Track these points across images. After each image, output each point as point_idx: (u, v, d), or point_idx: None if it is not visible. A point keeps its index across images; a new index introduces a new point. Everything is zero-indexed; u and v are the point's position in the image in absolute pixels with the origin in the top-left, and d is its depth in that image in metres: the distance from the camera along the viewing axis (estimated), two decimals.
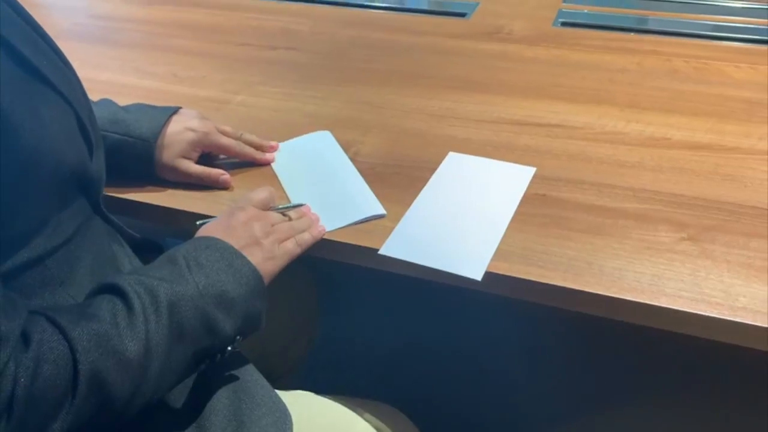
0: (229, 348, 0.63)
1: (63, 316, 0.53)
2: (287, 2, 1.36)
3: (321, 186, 0.82)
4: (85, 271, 0.63)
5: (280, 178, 0.84)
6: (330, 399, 0.79)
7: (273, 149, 0.88)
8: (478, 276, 0.68)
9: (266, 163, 0.86)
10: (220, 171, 0.83)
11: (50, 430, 0.49)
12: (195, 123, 0.82)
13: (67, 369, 0.50)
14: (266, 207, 0.74)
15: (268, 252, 0.68)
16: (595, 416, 1.22)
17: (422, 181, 0.81)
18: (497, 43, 1.15)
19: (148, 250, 0.79)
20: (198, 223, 0.73)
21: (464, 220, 0.75)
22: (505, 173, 0.82)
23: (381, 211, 0.77)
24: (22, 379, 0.47)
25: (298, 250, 0.72)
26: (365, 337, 1.53)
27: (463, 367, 1.46)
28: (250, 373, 0.71)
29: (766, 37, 1.13)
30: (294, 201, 0.79)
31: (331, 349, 1.50)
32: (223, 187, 0.83)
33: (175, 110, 0.83)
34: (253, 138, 0.87)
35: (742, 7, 1.25)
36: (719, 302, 0.64)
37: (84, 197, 0.65)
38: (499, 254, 0.70)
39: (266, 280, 0.67)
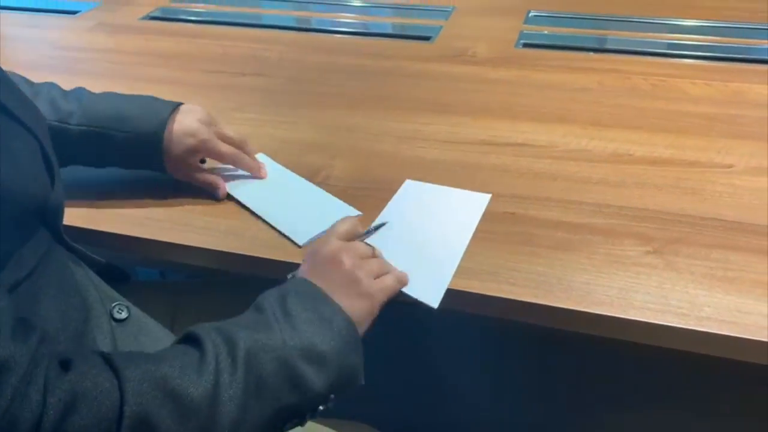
0: (321, 408, 0.58)
1: (120, 355, 0.49)
2: (254, 29, 1.38)
3: (287, 200, 0.83)
4: (50, 303, 0.62)
5: (243, 202, 0.83)
6: (314, 422, 0.78)
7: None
8: (434, 304, 0.68)
9: (260, 177, 0.86)
10: (217, 183, 0.83)
11: None
12: (195, 126, 0.80)
13: (111, 409, 0.45)
14: (352, 238, 0.70)
15: (365, 288, 0.63)
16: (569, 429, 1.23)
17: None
18: (462, 65, 1.18)
19: (115, 276, 0.79)
20: (289, 277, 0.68)
21: (420, 248, 0.75)
22: (461, 200, 0.82)
23: (356, 212, 0.79)
24: (51, 412, 0.43)
25: (398, 287, 0.66)
26: None
27: (439, 386, 1.46)
28: None
29: (719, 54, 1.17)
30: (265, 217, 0.80)
31: None
32: (217, 197, 0.83)
33: (177, 105, 0.82)
34: (252, 148, 0.88)
35: (694, 26, 1.29)
36: (685, 313, 0.66)
37: (45, 227, 0.64)
38: (470, 273, 0.71)
39: (364, 326, 0.62)
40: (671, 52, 1.19)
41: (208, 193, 0.84)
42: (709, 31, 1.27)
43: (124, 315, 0.71)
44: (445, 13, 1.40)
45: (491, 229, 0.77)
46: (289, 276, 0.68)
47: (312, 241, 0.75)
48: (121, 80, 1.17)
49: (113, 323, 0.70)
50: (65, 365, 0.47)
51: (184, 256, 0.79)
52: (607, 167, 0.88)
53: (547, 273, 0.71)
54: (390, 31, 1.38)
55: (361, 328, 0.62)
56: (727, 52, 1.18)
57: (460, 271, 0.71)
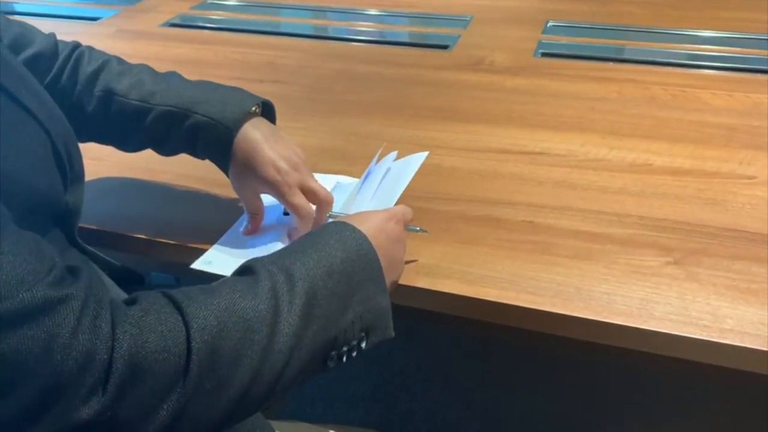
0: (355, 343, 0.59)
1: (179, 292, 0.49)
2: (272, 37, 1.38)
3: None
4: None
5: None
6: (323, 428, 0.78)
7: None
8: None
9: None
10: (256, 223, 0.79)
11: (157, 413, 0.45)
12: (284, 165, 0.73)
13: (178, 344, 0.46)
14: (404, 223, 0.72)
15: (398, 276, 0.69)
16: None
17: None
18: (479, 74, 1.18)
19: (130, 279, 0.78)
20: (329, 215, 0.74)
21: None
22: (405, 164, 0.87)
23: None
24: (124, 343, 0.44)
25: None
26: (353, 368, 1.52)
27: (449, 395, 1.45)
28: None
29: (739, 65, 1.17)
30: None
31: (318, 381, 1.49)
32: (243, 229, 0.79)
33: (262, 101, 0.78)
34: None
35: (713, 37, 1.28)
36: (707, 325, 0.65)
37: (58, 228, 0.64)
38: (489, 280, 0.71)
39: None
40: (690, 63, 1.19)
41: (231, 200, 0.84)
42: (727, 42, 1.26)
43: None
44: (463, 22, 1.40)
45: (509, 238, 0.77)
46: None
47: None
48: None
49: None
50: (129, 302, 0.47)
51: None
52: (626, 177, 0.87)
53: (566, 282, 0.70)
54: (407, 39, 1.38)
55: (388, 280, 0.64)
56: (748, 64, 1.17)
57: (478, 279, 0.71)
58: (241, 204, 0.80)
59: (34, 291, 0.42)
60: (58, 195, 0.60)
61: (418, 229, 0.75)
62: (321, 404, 1.46)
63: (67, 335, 0.42)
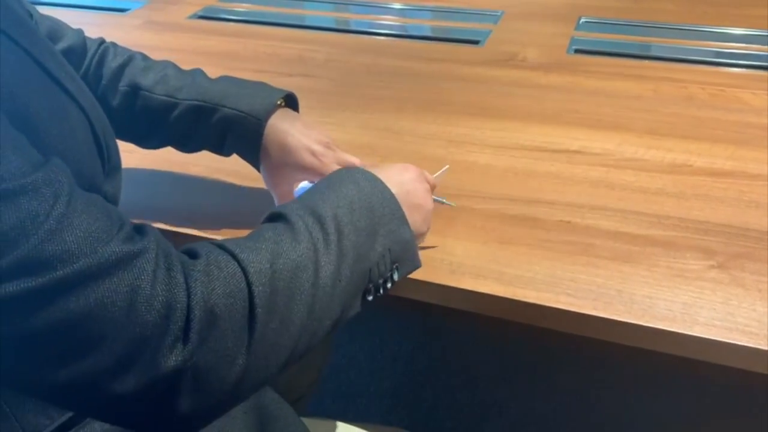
0: (389, 274, 0.61)
1: (230, 242, 0.51)
2: (301, 30, 1.37)
3: None
4: None
5: None
6: (352, 425, 0.77)
7: None
8: None
9: None
10: None
11: (235, 356, 0.46)
12: (317, 147, 0.74)
13: (241, 289, 0.47)
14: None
15: (422, 220, 0.67)
16: None
17: (446, 207, 0.80)
18: (512, 69, 1.16)
19: None
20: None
21: None
22: None
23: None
24: (199, 293, 0.45)
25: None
26: (376, 364, 1.51)
27: (473, 394, 1.44)
28: (270, 396, 0.70)
29: None
30: None
31: (341, 376, 1.48)
32: None
33: (288, 93, 0.78)
34: None
35: (746, 34, 1.25)
36: (754, 332, 0.63)
37: None
38: (526, 281, 0.69)
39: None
40: (727, 62, 1.16)
41: (262, 192, 0.83)
42: (760, 40, 1.23)
43: None
44: (494, 17, 1.38)
45: (546, 237, 0.75)
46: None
47: None
48: None
49: None
50: (190, 254, 0.48)
51: None
52: (665, 178, 0.85)
53: (606, 285, 0.69)
54: (439, 34, 1.36)
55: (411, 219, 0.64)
56: None
57: (515, 279, 0.70)
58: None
59: (111, 246, 0.43)
60: (100, 182, 0.60)
61: (444, 200, 0.74)
62: (343, 401, 1.45)
63: (147, 287, 0.43)
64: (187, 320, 0.44)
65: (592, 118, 0.99)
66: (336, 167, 0.72)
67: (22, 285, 0.40)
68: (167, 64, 0.83)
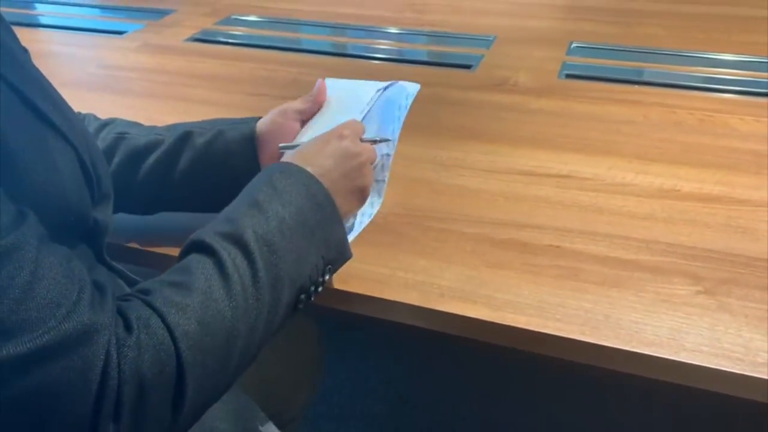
0: (321, 279, 0.62)
1: (157, 296, 0.51)
2: (297, 53, 1.39)
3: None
4: None
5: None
6: None
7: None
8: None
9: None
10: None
11: (173, 417, 0.48)
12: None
13: (170, 355, 0.48)
14: (360, 135, 0.72)
15: (359, 204, 0.70)
16: None
17: (435, 231, 0.81)
18: (504, 94, 1.17)
19: None
20: (280, 147, 0.73)
21: None
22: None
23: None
24: (128, 370, 0.46)
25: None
26: (369, 387, 1.50)
27: (467, 416, 1.43)
28: (261, 419, 0.70)
29: (765, 90, 1.15)
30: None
31: (334, 398, 1.48)
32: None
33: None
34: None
35: (736, 60, 1.27)
36: (740, 358, 0.63)
37: (86, 245, 0.64)
38: (515, 306, 0.70)
39: (349, 201, 0.68)
40: (716, 87, 1.17)
41: None
42: (755, 67, 1.25)
43: None
44: (486, 42, 1.40)
45: (535, 262, 0.76)
46: (280, 147, 0.73)
47: None
48: (164, 100, 1.18)
49: None
50: (126, 322, 0.49)
51: None
52: (654, 203, 0.86)
53: (594, 310, 0.69)
54: (429, 58, 1.38)
55: (344, 202, 0.66)
56: None
57: (504, 304, 0.70)
58: None
59: (64, 326, 0.44)
60: (87, 211, 0.60)
61: (378, 139, 0.76)
62: (336, 423, 1.44)
63: (88, 370, 0.44)
64: (118, 399, 0.45)
65: (582, 143, 1.00)
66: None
67: None
68: (149, 126, 0.85)
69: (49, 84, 0.63)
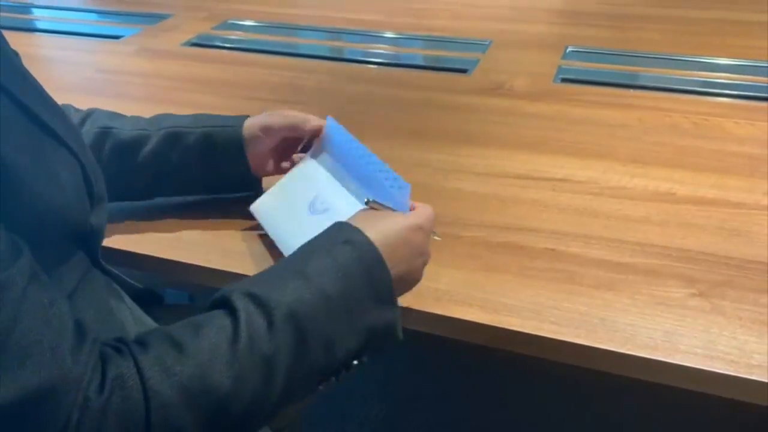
0: (356, 363, 0.58)
1: (150, 352, 0.48)
2: (293, 58, 1.39)
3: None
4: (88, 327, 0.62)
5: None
6: None
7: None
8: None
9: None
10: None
11: None
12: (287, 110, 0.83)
13: (138, 425, 0.45)
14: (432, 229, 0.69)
15: (415, 283, 0.66)
16: None
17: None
18: (499, 98, 1.18)
19: (150, 301, 0.78)
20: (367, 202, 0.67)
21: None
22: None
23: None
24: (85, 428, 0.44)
25: None
26: (366, 390, 1.50)
27: (464, 419, 1.43)
28: None
29: (760, 94, 1.16)
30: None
31: (331, 401, 1.48)
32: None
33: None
34: None
35: (731, 64, 1.28)
36: (734, 360, 0.63)
37: (82, 250, 0.64)
38: (511, 309, 0.70)
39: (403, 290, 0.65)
40: (711, 91, 1.18)
41: (245, 217, 0.84)
42: (749, 71, 1.25)
43: None
44: (482, 46, 1.41)
45: (531, 265, 0.76)
46: (367, 202, 0.66)
47: None
48: (160, 104, 1.18)
49: None
50: (101, 386, 0.46)
51: (219, 281, 0.78)
52: (649, 206, 0.86)
53: (589, 313, 0.69)
54: (425, 63, 1.39)
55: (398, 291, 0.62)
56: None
57: (500, 307, 0.70)
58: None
59: (33, 379, 0.42)
60: (86, 218, 0.61)
61: (435, 235, 0.75)
62: (333, 427, 1.44)
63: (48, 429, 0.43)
64: None
65: (578, 147, 1.01)
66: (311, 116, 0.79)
67: None
68: (129, 117, 0.85)
69: (45, 90, 0.63)
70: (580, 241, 0.80)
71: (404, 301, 0.72)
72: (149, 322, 0.73)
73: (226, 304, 0.53)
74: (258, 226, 0.82)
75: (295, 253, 0.59)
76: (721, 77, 1.24)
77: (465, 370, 1.47)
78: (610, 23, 1.53)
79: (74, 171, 0.59)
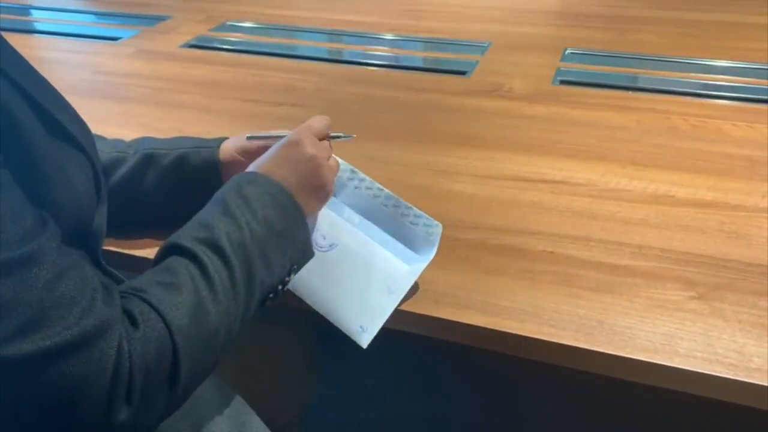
0: (288, 279, 0.65)
1: (152, 294, 0.55)
2: (291, 60, 1.39)
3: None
4: None
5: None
6: None
7: None
8: (363, 343, 0.69)
9: None
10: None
11: (171, 393, 0.53)
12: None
13: (168, 345, 0.53)
14: (323, 137, 0.75)
15: (323, 200, 0.72)
16: None
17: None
18: (498, 100, 1.17)
19: None
20: (247, 137, 0.76)
21: (367, 271, 0.74)
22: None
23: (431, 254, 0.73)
24: (138, 361, 0.50)
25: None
26: (363, 394, 1.50)
27: (462, 422, 1.43)
28: (255, 427, 0.70)
29: (759, 96, 1.16)
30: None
31: (328, 405, 1.47)
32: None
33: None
34: None
35: (729, 66, 1.28)
36: (733, 363, 0.63)
37: (84, 250, 0.64)
38: (509, 312, 0.70)
39: (313, 205, 0.71)
40: (709, 93, 1.18)
41: None
42: (747, 73, 1.25)
43: None
44: (481, 48, 1.40)
45: (530, 268, 0.76)
46: (248, 137, 0.76)
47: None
48: (158, 106, 1.18)
49: None
50: (133, 322, 0.53)
51: None
52: (647, 208, 0.86)
53: (588, 316, 0.69)
54: (424, 64, 1.39)
55: (306, 203, 0.69)
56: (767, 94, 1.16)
57: (498, 310, 0.70)
58: None
59: (83, 323, 0.49)
60: (92, 215, 0.62)
61: (342, 135, 0.77)
62: (330, 429, 1.44)
63: (105, 361, 0.49)
64: (130, 385, 0.50)
65: (576, 149, 1.00)
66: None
67: (23, 348, 0.46)
68: (110, 139, 0.85)
69: (59, 93, 0.64)
70: (579, 244, 0.80)
71: (403, 304, 0.72)
72: None
73: (181, 251, 0.60)
74: None
75: (213, 202, 0.66)
76: (720, 79, 1.24)
77: (464, 373, 1.47)
78: (609, 25, 1.53)
79: (87, 172, 0.61)
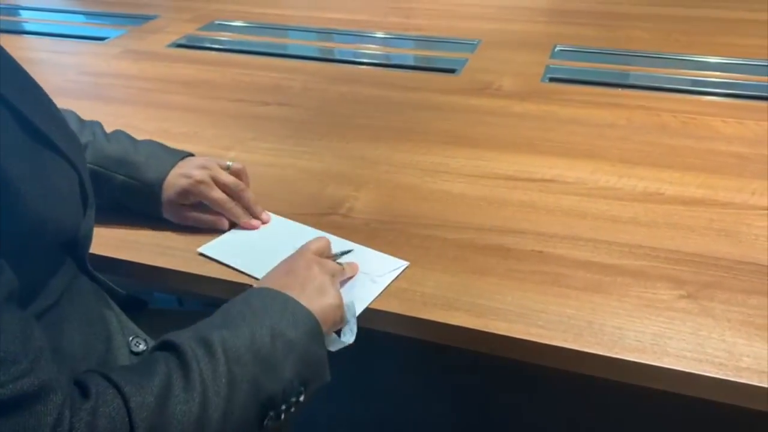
0: (294, 399, 0.60)
1: (116, 372, 0.52)
2: (279, 59, 1.38)
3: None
4: (74, 332, 0.62)
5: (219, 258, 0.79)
6: None
7: (263, 220, 0.84)
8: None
9: (249, 228, 0.83)
10: (216, 219, 0.82)
11: None
12: (192, 171, 0.80)
13: (123, 423, 0.48)
14: (324, 256, 0.72)
15: (332, 298, 0.66)
16: None
17: (419, 237, 0.80)
18: (487, 98, 1.17)
19: (135, 306, 0.78)
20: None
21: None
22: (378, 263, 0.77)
23: (403, 263, 0.76)
24: (81, 429, 0.46)
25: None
26: (357, 395, 1.49)
27: (458, 422, 1.42)
28: None
29: (748, 92, 1.15)
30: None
31: (323, 405, 1.47)
32: (220, 228, 0.82)
33: (184, 155, 0.83)
34: (249, 198, 0.83)
35: (720, 63, 1.28)
36: (723, 362, 0.63)
37: (70, 257, 0.64)
38: (497, 313, 0.69)
39: (329, 326, 0.65)
40: (699, 89, 1.18)
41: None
42: (737, 69, 1.25)
43: (141, 348, 0.70)
44: (470, 46, 1.40)
45: (519, 268, 0.75)
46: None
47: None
48: (144, 106, 1.17)
49: (131, 355, 0.69)
50: (82, 389, 0.49)
51: (204, 287, 0.77)
52: (637, 206, 0.85)
53: (577, 316, 0.69)
54: (414, 63, 1.38)
55: (326, 327, 0.64)
56: (759, 91, 1.16)
57: (487, 311, 0.69)
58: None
59: (19, 383, 0.44)
60: (78, 226, 0.61)
61: (342, 252, 0.76)
62: (325, 429, 1.43)
63: (42, 427, 0.45)
64: None
65: (566, 147, 1.00)
66: (211, 186, 0.80)
67: None
68: (94, 124, 0.86)
69: (45, 95, 0.63)
70: (568, 243, 0.79)
71: (391, 306, 0.71)
72: (135, 329, 0.73)
73: (167, 346, 0.56)
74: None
75: (218, 312, 0.62)
76: (710, 76, 1.23)
77: (459, 374, 1.46)
78: (598, 22, 1.52)
79: (72, 181, 0.60)
